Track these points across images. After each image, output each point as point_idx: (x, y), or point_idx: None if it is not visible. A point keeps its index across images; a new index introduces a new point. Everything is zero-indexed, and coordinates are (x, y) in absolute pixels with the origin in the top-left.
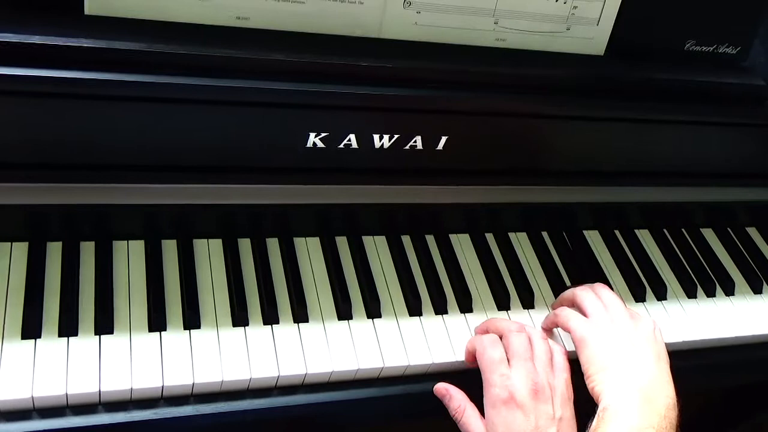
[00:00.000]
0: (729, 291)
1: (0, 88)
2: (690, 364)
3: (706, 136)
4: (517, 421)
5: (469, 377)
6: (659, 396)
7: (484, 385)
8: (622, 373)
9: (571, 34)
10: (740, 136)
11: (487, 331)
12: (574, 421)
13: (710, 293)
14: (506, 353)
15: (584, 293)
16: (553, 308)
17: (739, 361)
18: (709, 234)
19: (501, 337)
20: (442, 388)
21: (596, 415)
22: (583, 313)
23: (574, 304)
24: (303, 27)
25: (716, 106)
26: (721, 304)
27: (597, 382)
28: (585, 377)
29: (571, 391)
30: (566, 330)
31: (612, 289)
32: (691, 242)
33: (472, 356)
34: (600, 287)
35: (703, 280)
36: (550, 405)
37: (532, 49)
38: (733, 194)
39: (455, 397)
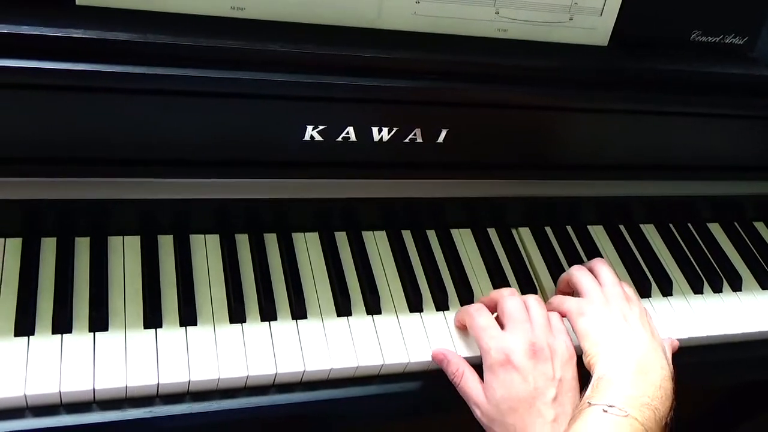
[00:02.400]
0: (736, 286)
1: None
2: (696, 361)
3: (713, 128)
4: (515, 382)
5: None
6: (654, 367)
7: (481, 353)
8: (617, 345)
9: (573, 24)
10: (747, 129)
11: (484, 303)
12: (576, 382)
13: (717, 289)
14: (502, 318)
15: (580, 273)
16: (556, 292)
17: (746, 358)
18: (715, 228)
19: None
20: (439, 353)
21: (590, 385)
22: (580, 293)
23: (570, 284)
24: (299, 17)
25: (722, 98)
26: (728, 299)
27: (592, 355)
28: (583, 352)
29: (573, 352)
30: (562, 313)
31: None
32: (697, 237)
33: (463, 326)
34: (598, 262)
35: (710, 275)
36: (549, 365)
37: (534, 40)
38: (740, 188)
39: (452, 362)
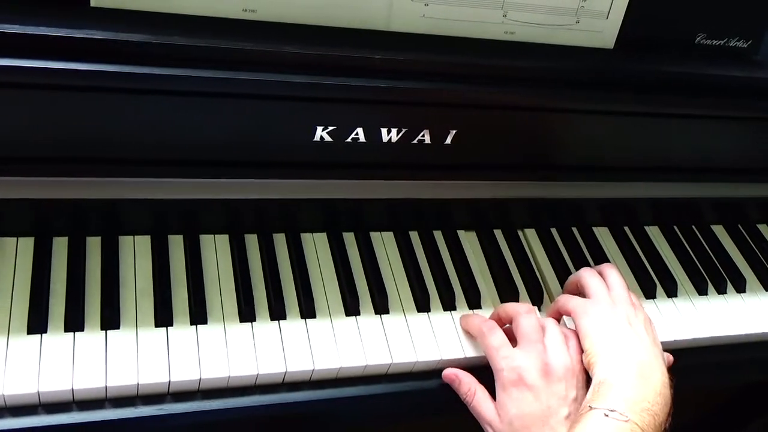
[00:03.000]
0: (740, 288)
1: (6, 80)
2: (700, 362)
3: (717, 130)
4: (527, 401)
5: (478, 373)
6: (655, 373)
7: (494, 372)
8: (619, 348)
9: (580, 27)
10: (751, 131)
11: (498, 318)
12: None
13: (721, 290)
14: (516, 334)
15: (589, 275)
16: (563, 292)
17: (751, 359)
18: (719, 231)
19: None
20: (450, 373)
21: (591, 388)
22: (587, 294)
23: (578, 285)
24: (310, 19)
25: (727, 100)
26: (732, 301)
27: (592, 354)
28: (583, 353)
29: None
30: (566, 313)
31: None
32: (701, 239)
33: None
34: (608, 267)
35: (714, 277)
36: (562, 385)
37: (541, 42)
38: (744, 190)
39: (464, 381)
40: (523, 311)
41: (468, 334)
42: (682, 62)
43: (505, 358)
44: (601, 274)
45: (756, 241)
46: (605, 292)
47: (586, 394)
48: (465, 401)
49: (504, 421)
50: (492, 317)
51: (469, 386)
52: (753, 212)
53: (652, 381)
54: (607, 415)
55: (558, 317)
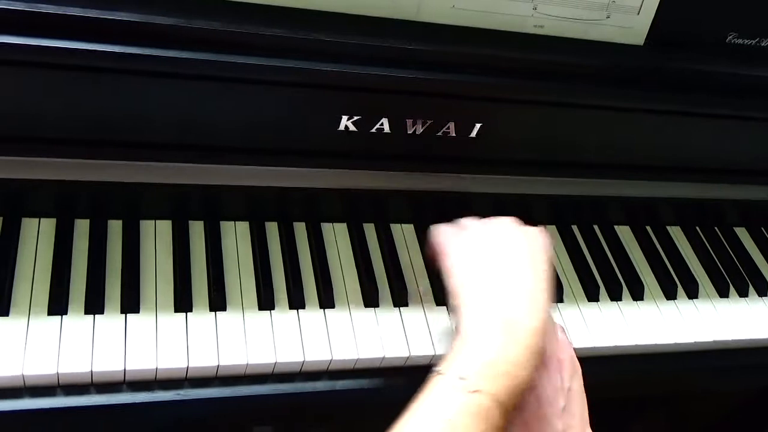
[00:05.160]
0: (762, 291)
1: (34, 59)
2: (722, 364)
3: (744, 131)
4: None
5: None
6: (524, 320)
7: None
8: (485, 294)
9: (610, 22)
10: None
11: None
12: (584, 393)
13: (743, 293)
14: None
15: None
16: None
17: None
18: (742, 233)
19: None
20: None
21: (452, 343)
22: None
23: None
24: (339, 7)
25: (757, 101)
26: (753, 304)
27: (456, 297)
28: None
29: (578, 365)
30: (433, 255)
31: (642, 287)
32: (723, 240)
33: None
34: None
35: (736, 279)
36: (557, 377)
37: (570, 37)
38: None
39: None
40: None
41: None
42: (712, 61)
43: None
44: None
45: None
46: (478, 221)
47: (580, 385)
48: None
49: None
50: None
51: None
52: None
53: (519, 332)
54: (455, 386)
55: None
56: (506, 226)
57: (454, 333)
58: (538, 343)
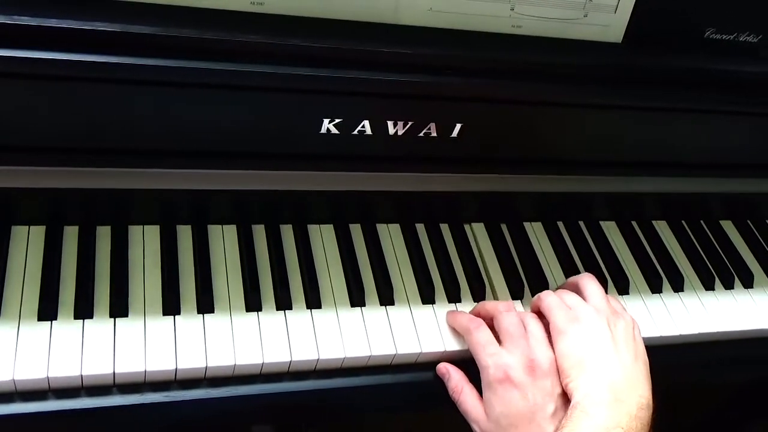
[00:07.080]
0: (748, 283)
1: (16, 71)
2: (707, 358)
3: (726, 125)
4: (514, 399)
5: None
6: (632, 395)
7: (479, 369)
8: (595, 370)
9: (588, 21)
10: (760, 126)
11: (479, 316)
12: None
13: (729, 285)
14: (499, 333)
15: (564, 293)
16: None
17: (759, 355)
18: (728, 226)
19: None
20: (443, 367)
21: (567, 413)
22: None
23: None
24: (317, 12)
25: (736, 96)
26: (739, 296)
27: (571, 378)
28: (560, 373)
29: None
30: (547, 317)
31: (628, 281)
32: (709, 234)
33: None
34: (585, 278)
35: (722, 272)
36: (548, 381)
37: (549, 36)
38: (753, 185)
39: (453, 377)
40: (502, 309)
41: (454, 330)
42: (690, 57)
43: (491, 355)
44: (578, 285)
45: (765, 236)
46: (583, 305)
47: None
48: (452, 397)
49: (491, 419)
50: (472, 314)
51: (456, 383)
52: (762, 207)
53: (628, 404)
54: None
55: (536, 311)
56: (605, 310)
57: (569, 410)
58: (646, 416)
